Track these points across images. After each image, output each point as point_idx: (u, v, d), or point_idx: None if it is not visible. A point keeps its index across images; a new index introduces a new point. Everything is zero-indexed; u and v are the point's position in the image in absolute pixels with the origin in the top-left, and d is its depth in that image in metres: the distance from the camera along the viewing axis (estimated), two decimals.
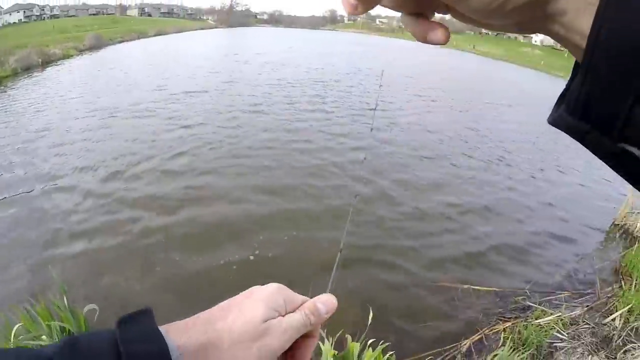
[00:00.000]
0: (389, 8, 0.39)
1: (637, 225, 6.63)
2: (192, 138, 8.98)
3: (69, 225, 5.54)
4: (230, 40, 39.68)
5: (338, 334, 3.11)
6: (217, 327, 0.47)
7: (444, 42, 0.39)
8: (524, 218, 6.93)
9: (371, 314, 3.25)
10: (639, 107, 0.28)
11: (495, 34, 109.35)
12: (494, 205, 7.19)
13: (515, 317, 4.41)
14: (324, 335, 2.92)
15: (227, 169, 7.49)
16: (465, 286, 4.82)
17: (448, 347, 3.88)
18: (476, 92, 19.84)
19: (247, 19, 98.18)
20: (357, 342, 3.01)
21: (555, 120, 0.35)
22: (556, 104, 0.35)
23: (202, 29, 63.72)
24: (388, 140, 9.86)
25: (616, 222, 6.99)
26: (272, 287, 0.54)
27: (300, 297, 0.56)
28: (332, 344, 2.92)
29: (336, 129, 10.31)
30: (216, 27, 72.26)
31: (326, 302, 0.56)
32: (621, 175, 0.34)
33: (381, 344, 2.99)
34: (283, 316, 0.52)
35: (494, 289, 4.86)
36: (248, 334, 0.47)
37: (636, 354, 3.77)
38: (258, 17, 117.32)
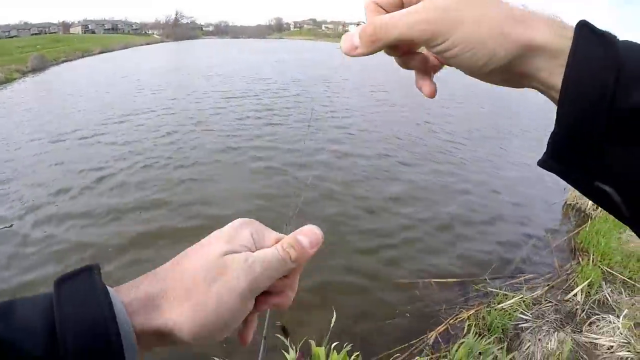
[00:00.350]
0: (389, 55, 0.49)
1: (588, 204, 6.73)
2: (132, 158, 8.24)
3: None
4: (177, 54, 38.77)
5: (302, 341, 2.96)
6: (170, 275, 0.42)
7: (429, 97, 0.50)
8: (477, 207, 6.89)
9: (334, 317, 3.07)
10: (610, 149, 0.36)
11: None
12: (444, 199, 7.14)
13: (479, 304, 4.31)
14: (287, 343, 2.73)
15: (171, 191, 6.98)
16: (426, 280, 4.71)
17: (414, 341, 3.75)
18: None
19: (193, 31, 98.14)
20: (321, 347, 2.87)
21: (542, 163, 0.42)
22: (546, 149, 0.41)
23: (148, 44, 62.10)
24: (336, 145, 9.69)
25: (568, 202, 7.11)
26: (236, 221, 0.47)
27: (275, 233, 0.48)
28: (296, 351, 2.82)
29: (283, 138, 9.97)
30: (162, 41, 71.24)
31: (308, 233, 0.47)
32: (605, 210, 0.41)
33: (346, 346, 2.87)
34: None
35: (454, 279, 4.78)
36: (203, 273, 0.41)
37: (601, 325, 3.73)
38: (204, 29, 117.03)
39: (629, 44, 0.37)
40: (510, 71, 0.41)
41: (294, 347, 2.81)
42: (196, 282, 0.40)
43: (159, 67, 25.79)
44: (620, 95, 0.35)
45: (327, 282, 4.57)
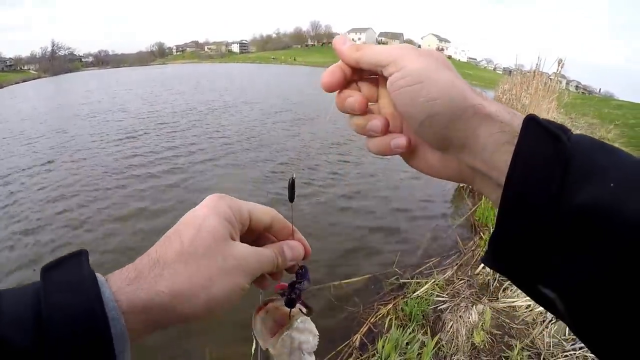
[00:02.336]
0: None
1: None
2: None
3: None
4: (54, 92, 34.72)
5: None
6: (164, 251, 0.41)
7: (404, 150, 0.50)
8: (373, 204, 6.87)
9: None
10: (553, 254, 0.34)
11: (321, 44, 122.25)
12: (331, 198, 7.00)
13: (395, 297, 4.18)
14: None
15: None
16: (336, 283, 4.46)
17: (340, 347, 3.48)
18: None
19: (71, 63, 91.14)
20: None
21: (484, 260, 0.41)
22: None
23: (24, 81, 57.32)
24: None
25: (461, 184, 7.31)
26: (213, 197, 0.47)
27: (247, 205, 0.49)
28: None
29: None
30: (39, 77, 65.92)
31: (293, 247, 0.52)
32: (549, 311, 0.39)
33: None
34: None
35: (363, 277, 4.62)
36: (202, 250, 0.41)
37: (514, 288, 3.73)
38: (83, 59, 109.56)
39: (578, 138, 0.37)
40: (450, 131, 0.41)
41: None
42: (195, 256, 0.41)
43: (39, 105, 22.71)
44: (566, 194, 0.33)
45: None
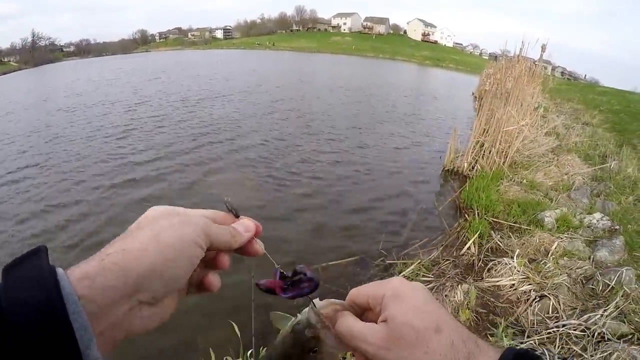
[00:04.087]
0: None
1: (464, 165, 7.11)
2: None
3: None
4: (35, 83, 33.40)
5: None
6: (127, 239, 0.42)
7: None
8: (361, 188, 6.91)
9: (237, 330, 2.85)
10: None
11: (306, 29, 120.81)
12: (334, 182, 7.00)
13: (381, 278, 4.13)
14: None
15: None
16: (323, 264, 4.50)
17: None
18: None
19: (52, 54, 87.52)
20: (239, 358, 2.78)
21: None
22: None
23: (4, 73, 54.52)
24: None
25: (446, 168, 7.43)
26: (161, 207, 0.48)
27: (196, 211, 0.51)
28: None
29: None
30: (19, 69, 63.20)
31: (243, 223, 0.53)
32: None
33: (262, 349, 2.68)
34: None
35: (352, 258, 4.65)
36: (164, 221, 0.44)
37: (498, 268, 3.79)
38: (65, 49, 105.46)
39: None
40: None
41: None
42: (155, 222, 0.44)
43: (17, 99, 21.80)
44: None
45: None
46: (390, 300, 0.48)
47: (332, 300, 0.55)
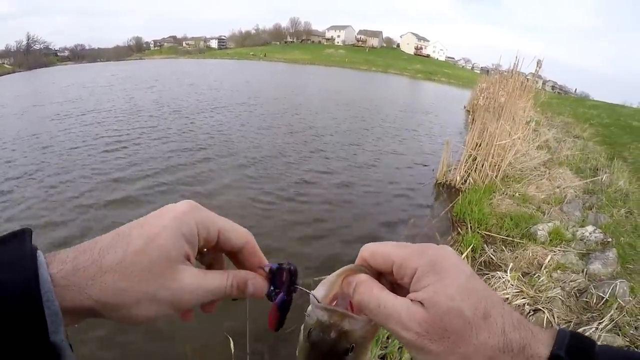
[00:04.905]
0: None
1: (457, 178, 7.14)
2: None
3: None
4: (29, 87, 33.08)
5: None
6: (111, 253, 0.39)
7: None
8: (353, 199, 6.90)
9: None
10: None
11: (300, 40, 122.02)
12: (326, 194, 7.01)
13: None
14: None
15: None
16: (316, 279, 4.40)
17: None
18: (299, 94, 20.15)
19: (47, 58, 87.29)
20: None
21: None
22: None
23: None
24: None
25: (438, 182, 7.47)
26: (183, 205, 0.44)
27: (220, 223, 0.46)
28: None
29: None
30: (14, 72, 62.75)
31: (257, 286, 0.47)
32: None
33: None
34: (198, 253, 0.46)
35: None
36: (146, 258, 0.39)
37: (492, 282, 3.77)
38: (59, 54, 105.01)
39: (604, 348, 0.39)
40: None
41: None
42: (133, 272, 0.39)
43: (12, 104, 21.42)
44: None
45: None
46: (429, 274, 0.39)
47: (333, 275, 0.45)
